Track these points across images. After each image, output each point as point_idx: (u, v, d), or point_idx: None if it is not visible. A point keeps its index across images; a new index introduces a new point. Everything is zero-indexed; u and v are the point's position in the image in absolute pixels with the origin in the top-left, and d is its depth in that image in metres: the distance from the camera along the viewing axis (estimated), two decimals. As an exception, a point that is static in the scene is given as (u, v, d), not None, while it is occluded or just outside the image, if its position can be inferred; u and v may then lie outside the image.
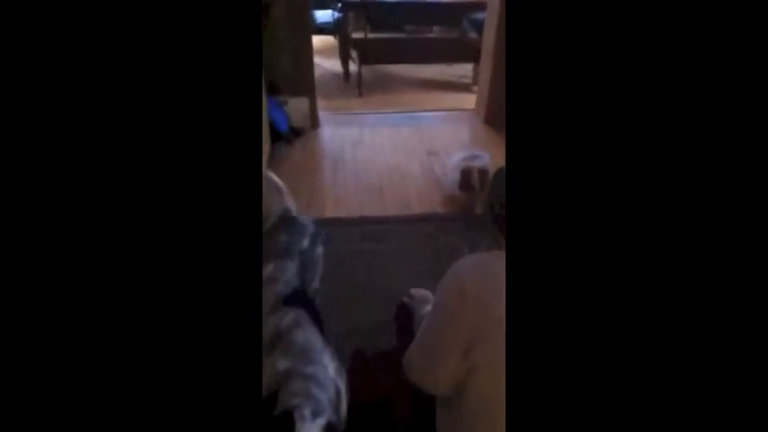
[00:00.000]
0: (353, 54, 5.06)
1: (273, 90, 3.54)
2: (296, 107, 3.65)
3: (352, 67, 5.14)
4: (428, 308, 1.53)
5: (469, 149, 3.09)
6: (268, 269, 1.36)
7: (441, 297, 1.10)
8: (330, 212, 2.83)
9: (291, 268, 1.41)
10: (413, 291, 1.84)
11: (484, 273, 1.03)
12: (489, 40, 3.80)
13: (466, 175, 2.74)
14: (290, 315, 1.25)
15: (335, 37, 5.70)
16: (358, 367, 1.79)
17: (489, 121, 3.95)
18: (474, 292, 1.00)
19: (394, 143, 3.70)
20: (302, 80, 3.64)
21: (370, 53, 4.97)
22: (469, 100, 4.54)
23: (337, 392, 1.16)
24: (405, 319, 1.77)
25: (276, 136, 3.44)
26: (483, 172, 2.72)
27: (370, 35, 5.90)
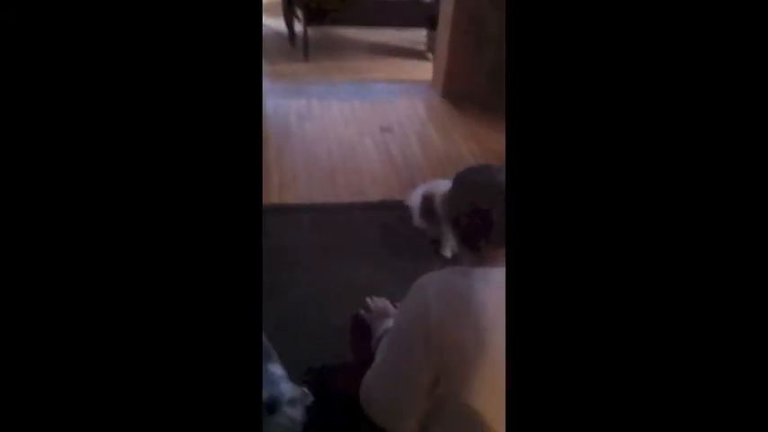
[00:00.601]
0: (299, 13, 4.67)
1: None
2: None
3: (298, 27, 4.74)
4: (387, 324, 1.36)
5: (431, 180, 2.58)
6: None
7: (402, 324, 1.01)
8: (276, 198, 2.54)
9: None
10: (369, 301, 1.61)
11: (449, 294, 0.96)
12: (448, 4, 3.51)
13: (428, 201, 2.38)
14: None
15: (279, -7, 5.24)
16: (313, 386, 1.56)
17: (447, 94, 3.71)
18: (439, 317, 0.93)
19: (345, 117, 3.40)
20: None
21: (316, 13, 4.58)
22: (424, 69, 4.27)
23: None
24: (360, 333, 1.55)
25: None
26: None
27: (317, -7, 5.47)
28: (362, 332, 1.52)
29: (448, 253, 2.36)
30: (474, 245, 1.06)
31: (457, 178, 1.12)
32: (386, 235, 2.40)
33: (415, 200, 2.41)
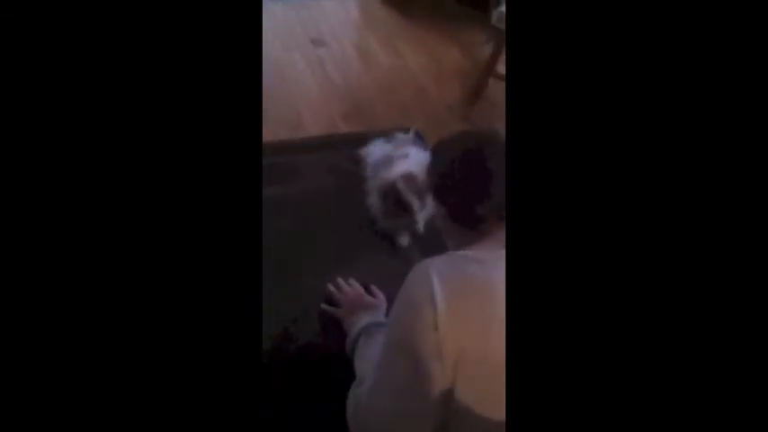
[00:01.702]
0: None
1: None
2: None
3: None
4: (363, 320, 1.10)
5: (385, 138, 1.88)
6: None
7: (401, 324, 0.81)
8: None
9: None
10: (334, 290, 1.26)
11: (460, 283, 0.78)
12: None
13: (389, 195, 1.60)
14: None
15: None
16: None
17: (385, -4, 3.15)
18: (449, 311, 0.75)
19: (267, 27, 2.80)
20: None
21: None
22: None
23: None
24: (334, 331, 1.20)
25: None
26: (410, 179, 1.57)
27: None
28: (335, 329, 1.17)
29: (405, 240, 1.74)
30: (469, 214, 0.87)
31: (440, 145, 0.96)
32: (337, 179, 1.97)
33: (371, 193, 1.68)
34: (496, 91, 2.51)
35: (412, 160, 1.61)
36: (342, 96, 2.35)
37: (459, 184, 0.89)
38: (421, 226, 1.63)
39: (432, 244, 1.72)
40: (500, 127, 2.35)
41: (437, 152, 0.96)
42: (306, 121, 2.20)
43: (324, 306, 1.21)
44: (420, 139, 1.83)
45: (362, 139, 2.18)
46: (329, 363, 1.42)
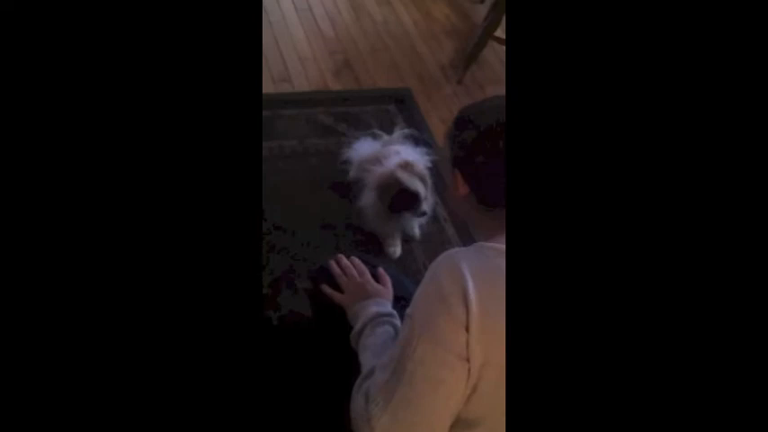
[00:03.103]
0: None
1: None
2: None
3: None
4: (370, 309, 1.00)
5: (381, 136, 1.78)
6: None
7: (432, 319, 0.74)
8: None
9: None
10: (335, 267, 1.13)
11: (493, 278, 0.73)
12: None
13: (391, 187, 1.45)
14: None
15: None
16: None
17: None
18: (482, 314, 0.71)
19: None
20: None
21: None
22: None
23: None
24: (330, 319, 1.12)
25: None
26: (409, 166, 1.46)
27: None
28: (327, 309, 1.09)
29: (398, 250, 1.66)
30: (498, 194, 0.80)
31: (464, 109, 0.89)
32: (325, 138, 1.90)
33: (368, 189, 1.52)
34: (490, 54, 2.44)
35: (405, 155, 1.52)
36: (332, 51, 2.25)
37: (490, 159, 0.81)
38: (429, 211, 1.55)
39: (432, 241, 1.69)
40: (494, 90, 2.30)
41: (462, 120, 0.87)
42: (294, 72, 2.10)
43: (325, 289, 1.09)
44: (408, 138, 1.75)
45: (357, 99, 2.11)
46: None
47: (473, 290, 0.71)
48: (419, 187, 1.40)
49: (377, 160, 1.52)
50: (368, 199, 1.52)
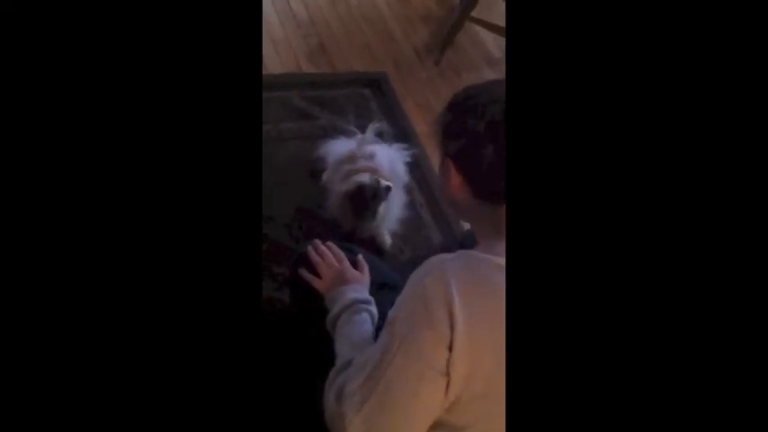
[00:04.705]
0: None
1: None
2: None
3: None
4: (347, 295, 1.00)
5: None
6: None
7: (414, 329, 0.71)
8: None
9: None
10: (313, 253, 1.12)
11: (479, 287, 0.71)
12: None
13: (355, 198, 1.44)
14: None
15: None
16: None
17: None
18: (469, 335, 0.68)
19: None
20: None
21: None
22: None
23: None
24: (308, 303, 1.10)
25: None
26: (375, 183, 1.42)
27: None
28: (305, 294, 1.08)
29: (388, 239, 1.67)
30: (496, 186, 0.75)
31: (459, 94, 0.84)
32: (299, 123, 1.87)
33: (337, 183, 1.51)
34: (465, 37, 2.43)
35: (378, 160, 1.50)
36: (306, 34, 2.20)
37: (485, 149, 0.76)
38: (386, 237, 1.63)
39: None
40: (469, 75, 2.28)
41: (456, 107, 0.82)
42: (267, 55, 2.05)
43: (303, 273, 1.08)
44: (382, 134, 1.73)
45: (330, 84, 2.08)
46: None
47: (460, 308, 0.68)
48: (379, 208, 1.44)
49: (352, 160, 1.50)
50: (333, 203, 1.54)
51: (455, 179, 0.82)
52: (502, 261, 0.70)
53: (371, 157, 1.48)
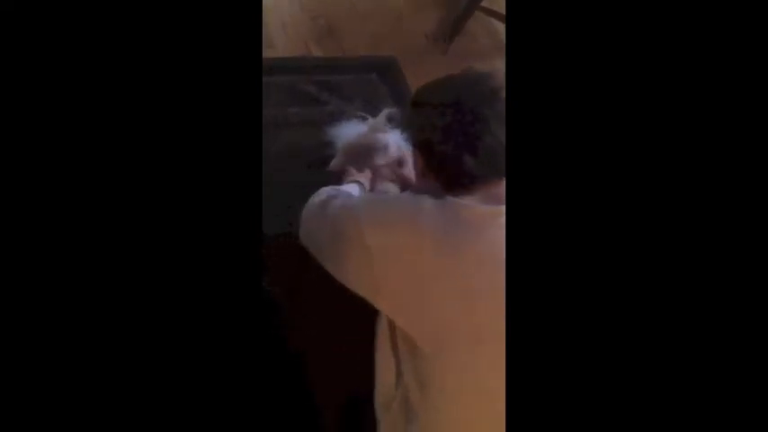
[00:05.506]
0: None
1: None
2: None
3: None
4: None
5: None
6: None
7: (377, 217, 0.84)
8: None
9: None
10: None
11: (449, 221, 0.77)
12: None
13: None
14: None
15: None
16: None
17: None
18: (436, 234, 0.77)
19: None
20: None
21: None
22: None
23: None
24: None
25: None
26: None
27: None
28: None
29: None
30: (458, 171, 0.80)
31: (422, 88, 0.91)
32: (306, 109, 1.87)
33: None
34: (476, 25, 2.41)
35: (393, 149, 1.45)
36: (314, 16, 2.19)
37: (446, 137, 0.81)
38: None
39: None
40: (482, 65, 2.27)
41: (420, 100, 0.89)
42: (276, 37, 2.05)
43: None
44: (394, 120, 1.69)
45: (340, 68, 2.07)
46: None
47: (369, 222, 0.81)
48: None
49: (365, 152, 1.48)
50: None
51: (424, 171, 0.90)
52: (452, 201, 0.80)
53: (386, 149, 1.47)
